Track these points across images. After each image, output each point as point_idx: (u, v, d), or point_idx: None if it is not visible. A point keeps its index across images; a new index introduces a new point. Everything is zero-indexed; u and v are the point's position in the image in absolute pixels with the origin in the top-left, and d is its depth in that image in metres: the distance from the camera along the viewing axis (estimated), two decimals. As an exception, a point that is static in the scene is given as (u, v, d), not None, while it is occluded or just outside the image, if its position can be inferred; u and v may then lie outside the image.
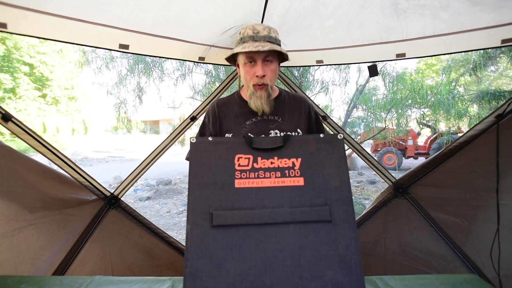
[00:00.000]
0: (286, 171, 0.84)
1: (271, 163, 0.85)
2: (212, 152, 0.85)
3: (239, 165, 0.84)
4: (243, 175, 0.83)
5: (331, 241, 0.76)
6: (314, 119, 1.27)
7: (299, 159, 0.86)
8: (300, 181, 0.83)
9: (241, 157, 0.85)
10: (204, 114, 1.38)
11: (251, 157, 0.85)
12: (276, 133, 1.13)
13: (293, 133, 1.14)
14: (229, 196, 0.80)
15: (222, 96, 2.05)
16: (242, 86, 1.25)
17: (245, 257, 0.73)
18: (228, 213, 0.77)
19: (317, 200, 0.81)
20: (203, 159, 0.84)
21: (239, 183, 0.82)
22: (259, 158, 0.85)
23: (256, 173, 0.83)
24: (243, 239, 0.75)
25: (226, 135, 1.17)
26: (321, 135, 0.90)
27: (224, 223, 0.76)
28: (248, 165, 0.85)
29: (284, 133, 1.13)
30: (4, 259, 1.30)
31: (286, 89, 1.76)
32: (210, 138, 0.86)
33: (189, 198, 0.79)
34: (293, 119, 1.18)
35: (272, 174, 0.84)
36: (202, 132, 1.25)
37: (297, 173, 0.84)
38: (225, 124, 1.19)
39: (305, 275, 0.73)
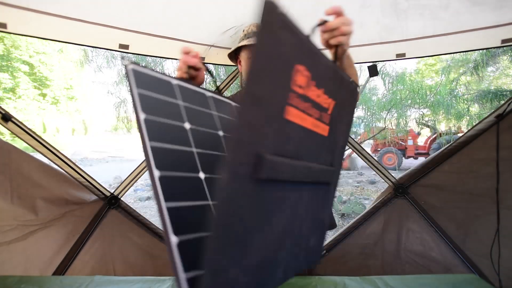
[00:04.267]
0: (323, 114, 0.57)
1: (318, 96, 0.53)
2: (284, 44, 0.44)
3: (295, 84, 0.46)
4: (296, 102, 0.47)
5: (323, 206, 0.65)
6: None
7: (333, 103, 0.59)
8: (325, 131, 0.59)
9: (302, 72, 0.47)
10: None
11: (309, 76, 0.49)
12: None
13: None
14: (278, 132, 0.45)
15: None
16: None
17: (274, 228, 0.48)
18: (284, 162, 0.46)
19: (328, 158, 0.61)
20: (273, 50, 0.41)
21: (291, 114, 0.46)
22: (313, 83, 0.51)
23: (305, 105, 0.50)
24: (278, 201, 0.48)
25: None
26: (350, 79, 0.66)
27: (275, 177, 0.45)
28: (303, 88, 0.49)
29: None
30: (15, 261, 1.31)
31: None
32: (286, 14, 0.46)
33: (241, 118, 0.37)
34: None
35: (315, 113, 0.54)
36: None
37: (327, 120, 0.59)
38: None
39: (302, 244, 0.57)
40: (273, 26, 0.40)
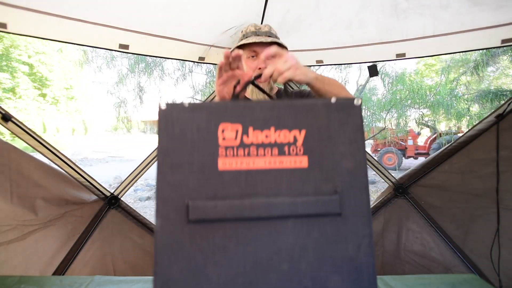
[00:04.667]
0: (286, 148, 0.64)
1: (266, 136, 0.65)
2: (187, 122, 0.64)
3: (223, 139, 0.63)
4: (229, 152, 0.63)
5: (339, 240, 0.62)
6: None
7: (303, 132, 0.65)
8: (303, 162, 0.65)
9: (227, 128, 0.64)
10: None
11: (239, 127, 0.64)
12: None
13: None
14: (211, 182, 0.61)
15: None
16: None
17: (231, 260, 0.60)
18: (209, 204, 0.60)
19: (324, 187, 0.64)
20: (175, 131, 0.63)
21: (223, 164, 0.62)
22: (250, 129, 0.64)
23: (247, 150, 0.63)
24: (229, 237, 0.60)
25: None
26: (333, 100, 0.69)
27: (203, 217, 0.59)
28: (236, 139, 0.64)
29: None
30: (15, 261, 1.31)
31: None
32: (186, 104, 0.65)
33: (158, 184, 0.59)
34: None
35: (267, 152, 0.64)
36: None
37: (300, 151, 0.65)
38: None
39: (306, 283, 0.60)
40: (172, 117, 0.61)
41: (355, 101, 0.64)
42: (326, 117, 0.66)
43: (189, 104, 0.63)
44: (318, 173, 0.64)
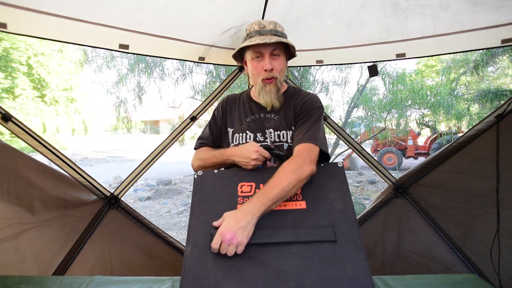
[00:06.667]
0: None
1: None
2: (216, 182, 0.92)
3: (241, 192, 0.88)
4: (246, 200, 0.85)
5: (338, 262, 0.73)
6: (301, 116, 1.11)
7: None
8: (302, 205, 0.85)
9: (244, 185, 0.90)
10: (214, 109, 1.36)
11: (253, 184, 0.90)
12: (270, 132, 1.11)
13: (288, 132, 1.10)
14: None
15: (223, 95, 2.05)
16: (252, 86, 1.24)
17: (245, 277, 0.71)
18: None
19: (321, 222, 0.81)
20: (207, 188, 0.90)
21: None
22: (261, 185, 0.88)
23: None
24: (244, 259, 0.74)
25: (229, 129, 1.17)
26: (322, 165, 0.94)
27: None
28: (250, 191, 0.88)
29: (278, 132, 1.10)
30: (8, 260, 1.31)
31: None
32: (215, 171, 0.96)
33: (192, 222, 0.82)
34: (290, 115, 1.13)
35: None
36: (210, 123, 1.24)
37: (299, 197, 0.86)
38: (229, 120, 1.20)
39: None
40: (204, 179, 0.94)
41: (339, 164, 0.95)
42: (317, 175, 0.90)
43: (218, 171, 0.97)
44: (315, 212, 0.82)
